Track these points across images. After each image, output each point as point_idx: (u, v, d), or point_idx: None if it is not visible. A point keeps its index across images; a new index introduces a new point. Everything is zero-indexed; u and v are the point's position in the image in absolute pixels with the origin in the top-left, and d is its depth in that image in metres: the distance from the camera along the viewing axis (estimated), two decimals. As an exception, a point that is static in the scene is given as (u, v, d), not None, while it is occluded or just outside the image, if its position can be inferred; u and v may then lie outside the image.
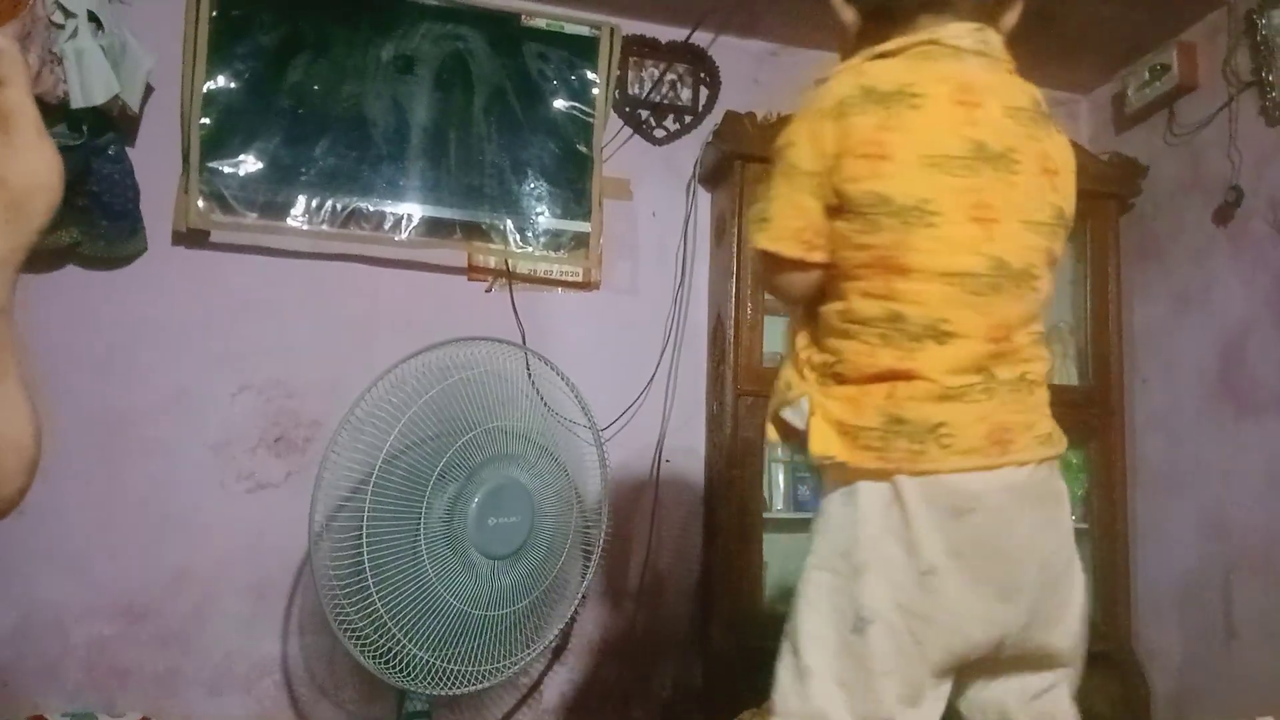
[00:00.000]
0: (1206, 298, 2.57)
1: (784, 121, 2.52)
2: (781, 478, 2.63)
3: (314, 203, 2.41)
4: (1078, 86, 3.09)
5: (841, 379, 1.12)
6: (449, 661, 1.97)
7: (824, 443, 1.10)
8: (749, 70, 2.86)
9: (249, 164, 2.39)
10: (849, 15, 1.23)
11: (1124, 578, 2.67)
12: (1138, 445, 2.75)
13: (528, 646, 2.13)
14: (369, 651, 1.93)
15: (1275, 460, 2.32)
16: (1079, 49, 2.83)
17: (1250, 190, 2.44)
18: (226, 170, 2.37)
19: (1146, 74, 2.76)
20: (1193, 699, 2.44)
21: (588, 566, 2.27)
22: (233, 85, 2.41)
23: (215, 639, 2.34)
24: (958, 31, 1.13)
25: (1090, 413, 2.70)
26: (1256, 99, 2.43)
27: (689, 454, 2.68)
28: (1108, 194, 2.78)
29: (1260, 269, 2.41)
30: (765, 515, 2.49)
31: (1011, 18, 1.20)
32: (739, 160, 2.57)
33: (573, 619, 2.38)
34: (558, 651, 2.52)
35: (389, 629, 1.90)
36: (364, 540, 1.85)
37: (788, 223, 1.15)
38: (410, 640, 1.91)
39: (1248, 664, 2.34)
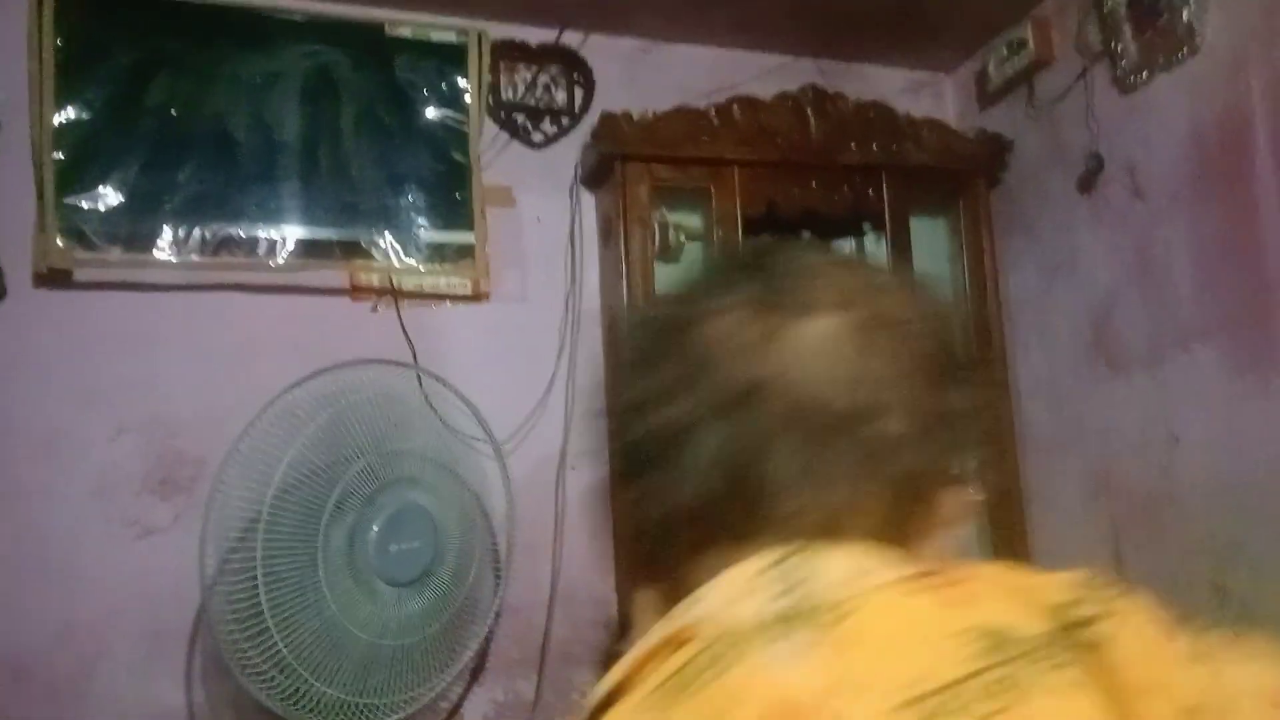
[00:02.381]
0: (1074, 264, 2.68)
1: (661, 119, 2.56)
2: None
3: (180, 232, 2.32)
4: (940, 66, 3.18)
5: None
6: (361, 695, 1.93)
7: None
8: (622, 69, 2.86)
9: (108, 197, 2.28)
10: None
11: (1021, 539, 2.77)
12: (1023, 411, 2.85)
13: (443, 670, 2.09)
14: (275, 694, 1.87)
15: (1147, 417, 2.43)
16: (938, 29, 2.91)
17: (1109, 157, 2.55)
18: (85, 205, 2.26)
19: (1005, 50, 2.85)
20: (1091, 650, 2.55)
21: (499, 582, 2.24)
22: (85, 115, 2.29)
23: (109, 691, 2.24)
24: None
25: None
26: (1109, 69, 2.54)
27: (593, 458, 2.68)
28: (976, 170, 2.87)
29: (1122, 233, 2.52)
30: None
31: None
32: (619, 160, 2.57)
33: (488, 637, 2.35)
34: (475, 672, 2.49)
35: (294, 669, 1.84)
36: (260, 580, 1.79)
37: None
38: (318, 678, 1.86)
39: (1139, 612, 2.45)
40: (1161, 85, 2.39)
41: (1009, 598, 0.55)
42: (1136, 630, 0.55)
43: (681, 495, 0.61)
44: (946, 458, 0.64)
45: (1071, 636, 0.53)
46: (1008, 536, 2.75)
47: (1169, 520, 2.37)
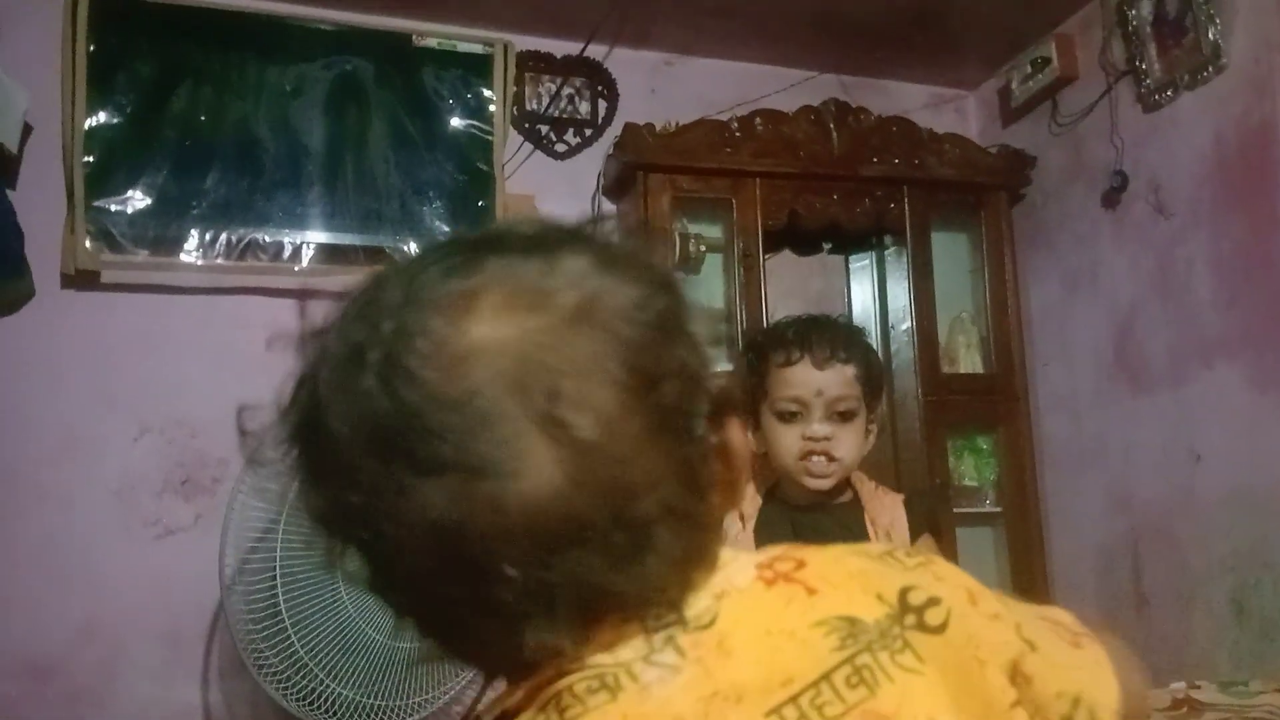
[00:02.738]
0: (1096, 280, 2.67)
1: (683, 130, 2.57)
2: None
3: (207, 236, 2.35)
4: (964, 83, 3.18)
5: None
6: (377, 697, 1.93)
7: None
8: (645, 81, 2.88)
9: (136, 200, 2.32)
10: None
11: (1039, 555, 2.75)
12: (1043, 426, 2.84)
13: (457, 675, 2.09)
14: (292, 694, 1.88)
15: (1169, 432, 2.41)
16: (961, 46, 2.92)
17: (1132, 174, 2.54)
18: (114, 208, 2.30)
19: (1029, 67, 2.85)
20: (1109, 669, 2.52)
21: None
22: (115, 119, 2.33)
23: (128, 691, 2.25)
24: None
25: (996, 398, 2.78)
26: (1133, 86, 2.53)
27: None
28: (999, 186, 2.87)
29: (1145, 249, 2.51)
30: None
31: None
32: (641, 170, 2.58)
33: (502, 642, 2.35)
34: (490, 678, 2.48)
35: (311, 669, 1.85)
36: (278, 581, 1.81)
37: None
38: (334, 679, 1.87)
39: (1159, 630, 2.43)
40: (1186, 103, 2.39)
41: (849, 583, 0.56)
42: (962, 608, 0.56)
43: None
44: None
45: (910, 620, 0.54)
46: (1026, 553, 2.73)
47: (1189, 538, 2.35)
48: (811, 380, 1.42)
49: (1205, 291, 2.33)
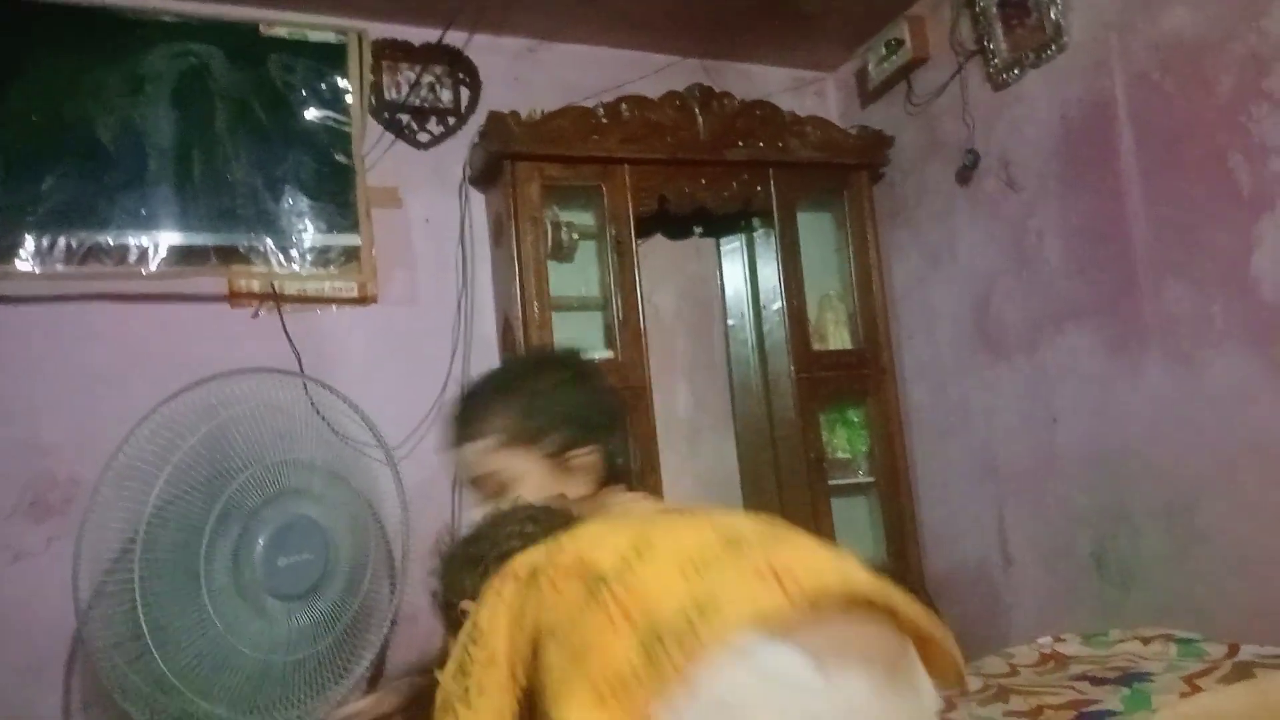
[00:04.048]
0: (954, 254, 2.76)
1: (550, 118, 2.54)
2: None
3: (44, 242, 2.20)
4: (822, 65, 3.24)
5: None
6: (253, 714, 1.86)
7: None
8: (508, 68, 2.83)
9: (-35, 206, 2.16)
10: None
11: (910, 521, 2.85)
12: (910, 397, 2.93)
13: (339, 682, 2.04)
14: (161, 717, 1.79)
15: (1028, 397, 2.52)
16: (819, 30, 2.97)
17: (984, 151, 2.64)
18: (-63, 214, 2.13)
19: (883, 49, 2.92)
20: (982, 628, 2.63)
21: (394, 590, 2.19)
22: (-63, 121, 2.16)
23: (-16, 730, 2.12)
24: None
25: (865, 372, 2.86)
26: (982, 66, 2.62)
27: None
28: (859, 165, 2.94)
29: (998, 222, 2.61)
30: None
31: None
32: (508, 159, 2.55)
33: (385, 646, 2.29)
34: (373, 680, 2.42)
35: (179, 690, 1.77)
36: (138, 602, 1.71)
37: None
38: (205, 698, 1.79)
39: (1026, 588, 2.55)
40: (1031, 81, 2.49)
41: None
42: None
43: None
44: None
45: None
46: (898, 516, 2.82)
47: (1050, 496, 2.46)
48: (458, 467, 1.34)
49: (1056, 261, 2.43)
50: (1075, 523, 2.39)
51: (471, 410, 1.32)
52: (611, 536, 0.90)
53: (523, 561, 0.95)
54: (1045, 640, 1.81)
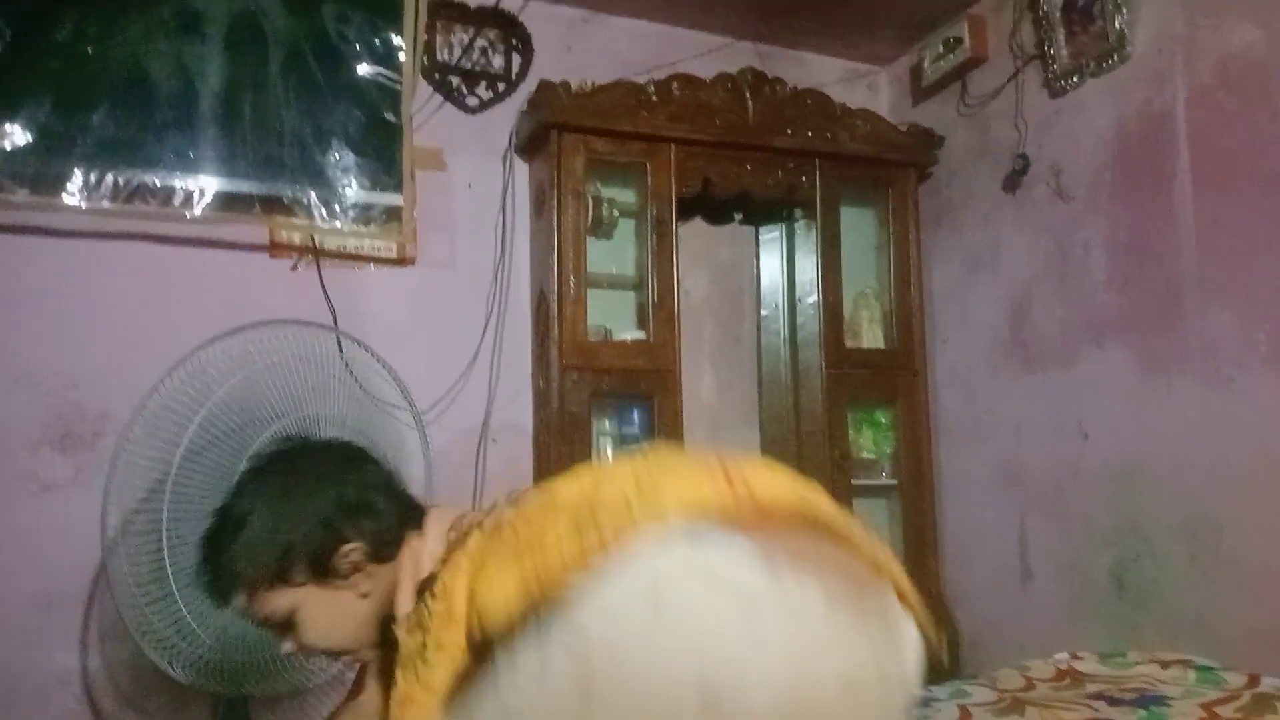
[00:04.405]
0: (996, 260, 2.74)
1: (599, 91, 2.53)
2: (610, 451, 2.63)
3: (92, 177, 2.20)
4: (877, 59, 3.20)
5: None
6: (266, 663, 1.87)
7: None
8: (561, 37, 2.81)
9: (15, 135, 2.15)
10: None
11: (931, 527, 2.83)
12: (939, 401, 2.91)
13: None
14: (179, 661, 1.81)
15: (1058, 410, 2.50)
16: (876, 22, 2.94)
17: (1035, 157, 2.61)
18: (-12, 142, 2.14)
19: (940, 47, 2.89)
20: (996, 639, 2.63)
21: (413, 552, 2.20)
22: (-9, 47, 2.16)
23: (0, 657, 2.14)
24: None
25: (896, 372, 2.84)
26: (1040, 71, 2.59)
27: (516, 431, 2.64)
28: (906, 163, 2.91)
29: (1042, 231, 2.58)
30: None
31: None
32: (555, 130, 2.53)
33: (399, 606, 2.31)
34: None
35: (197, 635, 1.78)
36: (164, 543, 1.72)
37: None
38: (223, 646, 1.80)
39: (1043, 602, 2.53)
40: (1090, 90, 2.45)
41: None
42: None
43: None
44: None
45: None
46: (919, 521, 2.81)
47: (1074, 512, 2.45)
48: None
49: (1099, 274, 2.41)
50: (1097, 540, 2.38)
51: (210, 575, 1.17)
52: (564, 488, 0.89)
53: (490, 518, 0.96)
54: (1062, 656, 1.81)
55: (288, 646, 1.17)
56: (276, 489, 1.16)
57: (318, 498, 1.14)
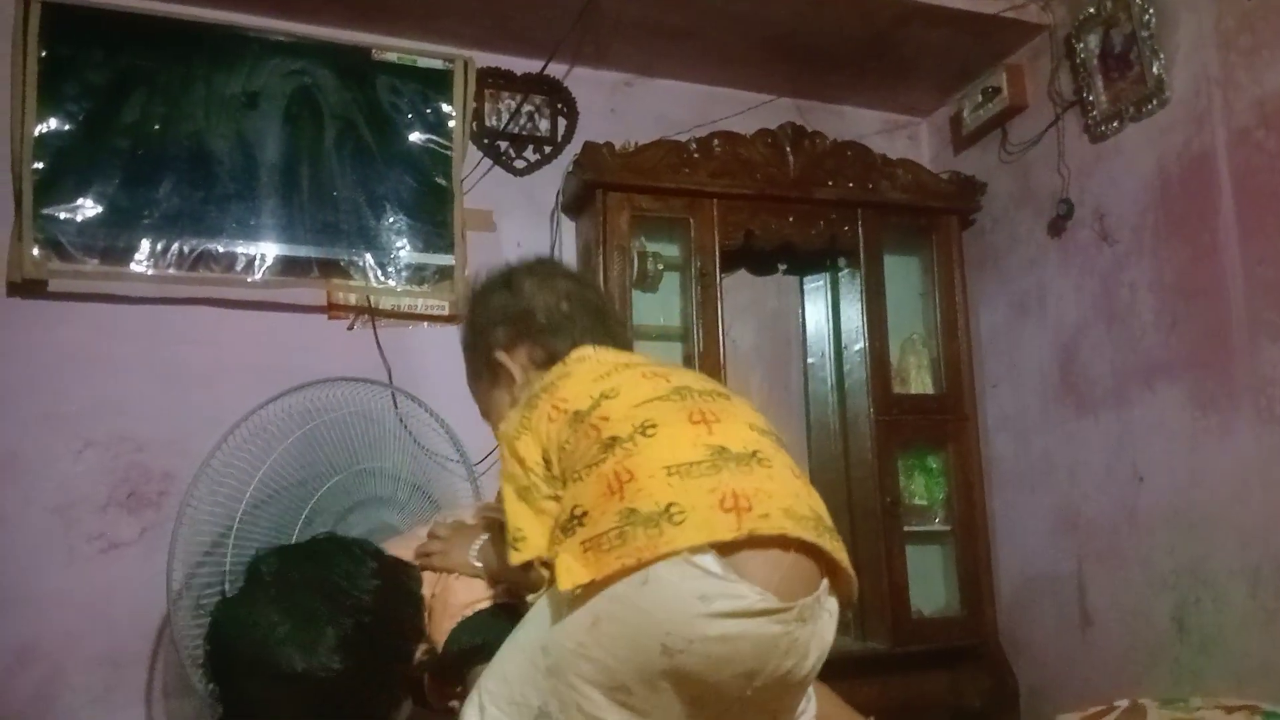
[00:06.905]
0: (1043, 304, 2.73)
1: (642, 150, 2.60)
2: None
3: (159, 246, 2.32)
4: (917, 110, 3.24)
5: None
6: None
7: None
8: (605, 100, 2.90)
9: (87, 208, 2.28)
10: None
11: (986, 574, 2.80)
12: (991, 446, 2.89)
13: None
14: (239, 712, 1.84)
15: (1113, 453, 2.47)
16: (914, 75, 2.98)
17: (1078, 202, 2.61)
18: (63, 216, 2.26)
19: (979, 96, 2.92)
20: (1056, 686, 2.57)
21: (467, 603, 2.23)
22: (66, 127, 2.30)
23: (67, 716, 2.19)
24: None
25: (945, 418, 2.83)
26: (1080, 117, 2.61)
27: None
28: (950, 210, 2.93)
29: (1088, 274, 2.57)
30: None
31: None
32: (600, 189, 2.60)
33: (454, 659, 2.33)
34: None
35: (259, 686, 1.82)
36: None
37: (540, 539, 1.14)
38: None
39: (1103, 649, 2.48)
40: (1131, 134, 2.46)
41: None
42: None
43: None
44: None
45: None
46: (974, 571, 2.77)
47: (1132, 557, 2.40)
48: None
49: (1147, 315, 2.39)
50: (1156, 584, 2.33)
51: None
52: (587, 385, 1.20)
53: (531, 392, 1.27)
54: (1123, 702, 1.77)
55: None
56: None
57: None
